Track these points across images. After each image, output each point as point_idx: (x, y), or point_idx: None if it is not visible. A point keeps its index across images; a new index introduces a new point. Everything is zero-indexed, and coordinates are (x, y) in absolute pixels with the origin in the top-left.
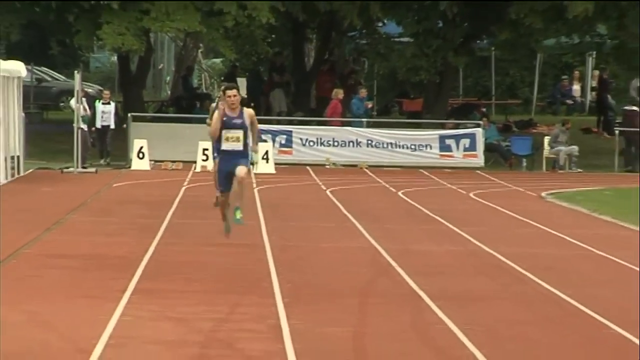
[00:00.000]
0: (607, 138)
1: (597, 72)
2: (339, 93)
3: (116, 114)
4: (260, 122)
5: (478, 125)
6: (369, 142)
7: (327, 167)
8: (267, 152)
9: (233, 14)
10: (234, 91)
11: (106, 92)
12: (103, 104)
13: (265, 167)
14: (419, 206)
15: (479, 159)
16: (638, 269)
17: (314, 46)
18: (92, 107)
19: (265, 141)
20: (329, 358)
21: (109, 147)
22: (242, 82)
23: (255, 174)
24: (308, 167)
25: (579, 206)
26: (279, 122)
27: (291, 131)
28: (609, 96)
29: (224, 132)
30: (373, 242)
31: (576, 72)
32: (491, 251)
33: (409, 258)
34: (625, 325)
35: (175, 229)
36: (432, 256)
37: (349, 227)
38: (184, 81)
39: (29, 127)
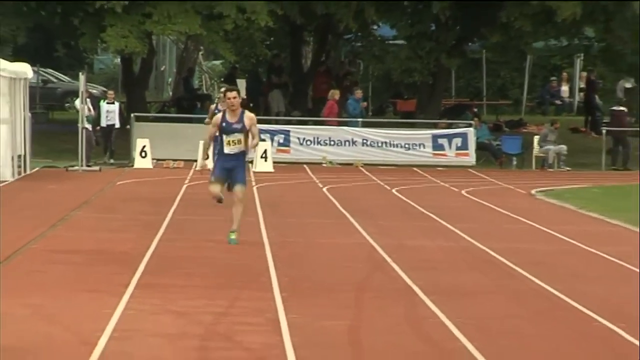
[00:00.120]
0: (595, 137)
1: (584, 74)
2: (335, 94)
3: (120, 113)
4: (259, 122)
5: (470, 125)
6: (364, 141)
7: (324, 165)
8: (265, 151)
9: (232, 17)
10: (234, 93)
11: (110, 92)
12: (108, 103)
13: (263, 166)
14: (412, 203)
15: (470, 158)
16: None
17: (311, 48)
18: (97, 107)
19: (264, 140)
20: (326, 350)
21: (113, 146)
22: (241, 83)
23: (254, 172)
24: (305, 166)
25: (567, 203)
26: (277, 122)
27: (289, 131)
28: (596, 97)
29: (224, 137)
30: (368, 238)
31: (564, 74)
32: (482, 247)
33: (403, 254)
34: (612, 318)
35: (176, 225)
36: (426, 252)
37: (345, 224)
38: (185, 82)
39: (35, 127)
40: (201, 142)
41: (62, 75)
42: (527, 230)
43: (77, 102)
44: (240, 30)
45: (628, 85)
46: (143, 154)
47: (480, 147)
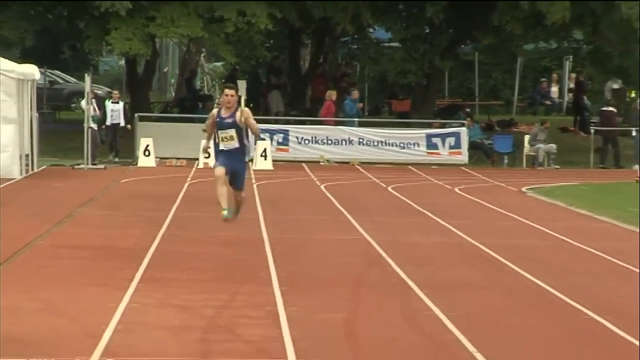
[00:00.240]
0: (583, 137)
1: (573, 75)
2: (332, 94)
3: (125, 113)
4: (259, 121)
5: (462, 125)
6: (361, 140)
7: (322, 163)
8: (265, 150)
9: (233, 21)
10: (232, 91)
11: (115, 92)
12: (112, 103)
13: (263, 164)
14: (407, 201)
15: (463, 156)
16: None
17: (309, 51)
18: (102, 107)
19: (263, 139)
20: (324, 342)
21: (118, 145)
22: (241, 84)
23: (254, 170)
24: (304, 164)
25: (557, 200)
26: (276, 122)
27: (288, 130)
28: (584, 97)
29: (219, 132)
30: (365, 234)
31: (554, 75)
32: (475, 243)
33: (398, 249)
34: (600, 311)
35: (179, 221)
36: (420, 247)
37: (342, 220)
38: (188, 83)
39: (42, 127)
40: (202, 141)
41: (69, 77)
42: (518, 226)
43: (83, 103)
44: (240, 33)
45: (616, 86)
46: (147, 152)
47: (473, 146)
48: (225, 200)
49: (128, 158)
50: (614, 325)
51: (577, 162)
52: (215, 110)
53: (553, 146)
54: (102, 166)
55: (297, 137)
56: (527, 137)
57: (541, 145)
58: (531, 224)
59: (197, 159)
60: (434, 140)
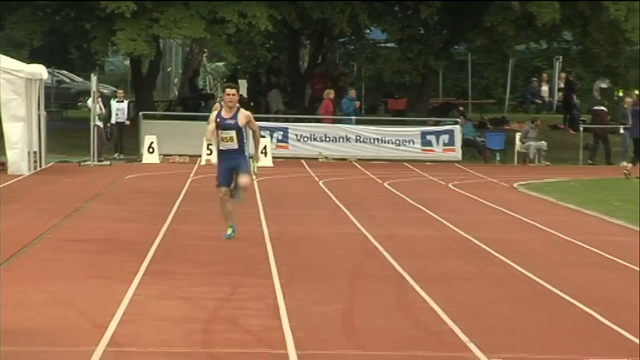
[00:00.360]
0: (573, 134)
1: (563, 75)
2: (330, 93)
3: (128, 110)
4: (259, 119)
5: (456, 123)
6: (358, 137)
7: (320, 160)
8: (265, 147)
9: (234, 22)
10: (233, 90)
11: (120, 92)
12: (117, 102)
13: (263, 161)
14: (403, 196)
15: (457, 153)
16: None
17: (307, 51)
18: (108, 106)
19: (264, 137)
20: (322, 333)
21: (124, 142)
22: (242, 83)
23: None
24: (303, 161)
25: (547, 195)
26: (276, 120)
27: (287, 128)
28: (574, 96)
29: (219, 132)
30: (361, 228)
31: (544, 75)
32: (468, 236)
33: (393, 243)
34: (588, 302)
35: (182, 216)
36: (415, 241)
37: (339, 215)
38: (190, 83)
39: (49, 125)
40: (205, 139)
41: (75, 76)
42: (509, 220)
43: (89, 101)
44: (241, 34)
45: (604, 85)
46: (151, 149)
47: (466, 143)
48: (230, 219)
49: (133, 155)
50: (601, 315)
51: (567, 159)
52: (214, 113)
53: (543, 143)
54: (107, 163)
55: (296, 135)
56: (518, 135)
57: (532, 143)
58: (522, 218)
59: (200, 156)
60: (429, 137)
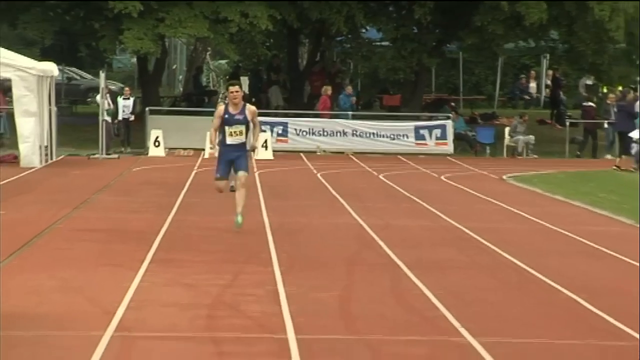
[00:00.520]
0: (559, 129)
1: (550, 72)
2: (328, 90)
3: (133, 106)
4: (260, 114)
5: (448, 118)
6: (354, 132)
7: (318, 153)
8: (266, 141)
9: (237, 22)
10: (236, 87)
11: (127, 89)
12: (124, 99)
13: (264, 154)
14: (397, 187)
15: (449, 147)
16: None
17: (306, 49)
18: (115, 102)
19: (264, 131)
20: (320, 318)
21: (131, 137)
22: (244, 80)
23: (255, 160)
24: (302, 154)
25: (535, 187)
26: (276, 115)
27: (287, 122)
28: (560, 92)
29: (227, 128)
30: (358, 218)
31: (532, 72)
32: (459, 226)
33: (388, 232)
34: (575, 289)
35: (187, 207)
36: (409, 231)
37: (337, 206)
38: (195, 80)
39: (60, 120)
40: (208, 133)
41: (85, 73)
42: (498, 211)
43: (98, 97)
44: (243, 33)
45: (589, 82)
46: (157, 143)
47: (458, 137)
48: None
49: (139, 148)
50: (586, 302)
51: (554, 152)
52: (221, 109)
53: (531, 137)
54: (115, 156)
55: (295, 129)
56: (507, 129)
57: (520, 137)
58: (511, 208)
59: (203, 150)
60: (422, 132)
